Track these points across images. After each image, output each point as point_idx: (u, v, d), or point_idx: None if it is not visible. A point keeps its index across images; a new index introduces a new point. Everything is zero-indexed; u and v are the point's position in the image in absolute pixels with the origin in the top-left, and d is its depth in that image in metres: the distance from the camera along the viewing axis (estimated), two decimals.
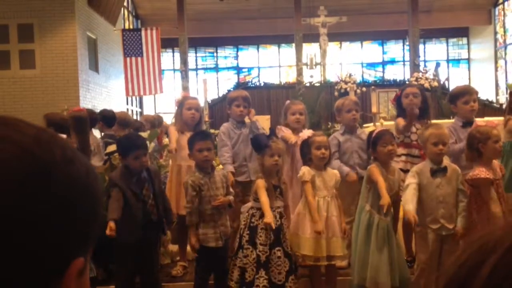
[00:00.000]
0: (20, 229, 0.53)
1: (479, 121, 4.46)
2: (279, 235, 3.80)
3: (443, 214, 3.82)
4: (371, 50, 19.51)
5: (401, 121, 4.58)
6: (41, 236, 0.55)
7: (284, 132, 4.62)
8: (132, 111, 16.57)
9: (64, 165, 0.58)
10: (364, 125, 4.83)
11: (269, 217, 3.70)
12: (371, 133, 4.20)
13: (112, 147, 4.69)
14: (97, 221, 0.62)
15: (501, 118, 5.34)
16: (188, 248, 4.77)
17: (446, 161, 3.96)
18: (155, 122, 6.12)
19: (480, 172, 3.75)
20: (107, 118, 5.54)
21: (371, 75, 19.06)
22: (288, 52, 18.71)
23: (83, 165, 0.62)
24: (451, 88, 11.33)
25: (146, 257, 3.87)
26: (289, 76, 18.38)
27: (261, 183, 3.87)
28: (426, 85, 12.15)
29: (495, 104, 13.15)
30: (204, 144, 3.94)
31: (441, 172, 3.84)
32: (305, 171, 4.02)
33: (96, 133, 5.82)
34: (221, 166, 4.58)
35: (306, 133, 4.21)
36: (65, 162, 0.59)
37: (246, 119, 4.85)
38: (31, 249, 0.54)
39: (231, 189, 4.09)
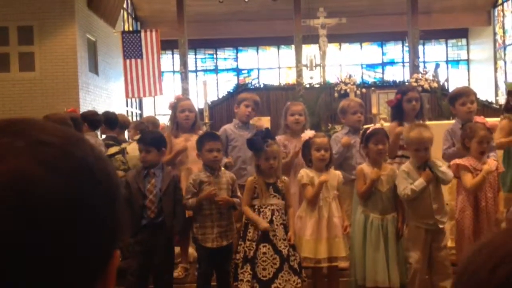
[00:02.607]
0: (80, 220, 0.56)
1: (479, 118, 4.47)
2: (267, 232, 3.80)
3: (437, 209, 3.88)
4: (370, 51, 19.51)
5: (395, 126, 4.57)
6: (96, 227, 0.58)
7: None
8: (132, 113, 16.58)
9: (98, 161, 0.61)
10: (364, 126, 4.83)
11: (262, 223, 3.80)
12: (366, 129, 4.22)
13: (114, 149, 4.70)
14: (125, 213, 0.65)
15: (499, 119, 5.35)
16: (190, 250, 4.77)
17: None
18: (158, 123, 6.12)
19: (460, 160, 3.92)
20: (109, 121, 5.55)
21: (370, 76, 19.05)
22: (287, 53, 18.71)
23: (108, 160, 0.66)
24: (450, 89, 11.35)
25: (155, 260, 3.86)
26: (289, 78, 18.37)
27: (248, 183, 3.96)
28: (426, 86, 12.14)
29: (494, 105, 13.16)
30: (214, 145, 3.96)
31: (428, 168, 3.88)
32: (303, 174, 4.02)
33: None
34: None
35: (308, 133, 4.21)
36: (97, 158, 0.62)
37: (251, 121, 4.87)
38: (92, 239, 0.57)
39: (238, 193, 4.08)
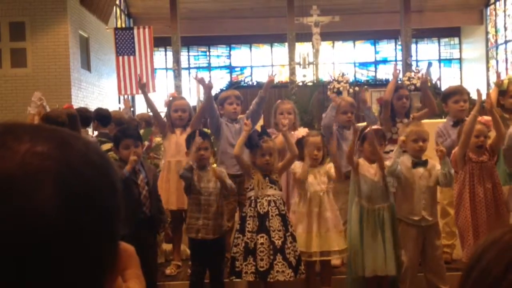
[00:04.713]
0: (103, 218, 0.61)
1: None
2: (264, 222, 3.81)
3: (424, 206, 3.92)
4: (363, 50, 19.53)
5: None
6: (112, 220, 0.63)
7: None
8: None
9: (111, 165, 0.65)
10: (358, 124, 4.86)
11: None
12: (364, 128, 4.23)
13: (106, 146, 4.68)
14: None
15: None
16: (182, 247, 4.77)
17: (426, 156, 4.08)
18: (151, 120, 6.12)
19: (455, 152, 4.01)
20: (102, 117, 5.52)
21: (363, 75, 19.09)
22: (280, 51, 18.70)
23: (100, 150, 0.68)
24: (443, 87, 11.40)
25: (141, 258, 3.85)
26: (282, 76, 18.37)
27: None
28: (418, 84, 12.19)
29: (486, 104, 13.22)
30: (202, 143, 3.97)
31: (422, 164, 3.93)
32: (297, 164, 4.04)
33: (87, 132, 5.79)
34: (215, 165, 4.57)
35: (301, 132, 4.22)
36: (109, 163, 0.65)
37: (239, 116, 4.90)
38: (111, 228, 0.63)
39: (228, 180, 4.02)
